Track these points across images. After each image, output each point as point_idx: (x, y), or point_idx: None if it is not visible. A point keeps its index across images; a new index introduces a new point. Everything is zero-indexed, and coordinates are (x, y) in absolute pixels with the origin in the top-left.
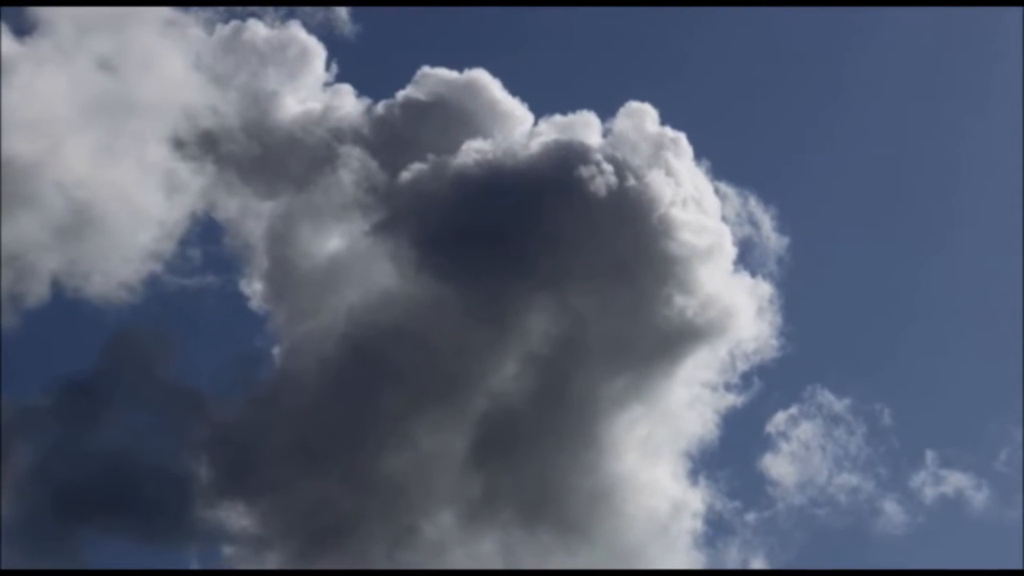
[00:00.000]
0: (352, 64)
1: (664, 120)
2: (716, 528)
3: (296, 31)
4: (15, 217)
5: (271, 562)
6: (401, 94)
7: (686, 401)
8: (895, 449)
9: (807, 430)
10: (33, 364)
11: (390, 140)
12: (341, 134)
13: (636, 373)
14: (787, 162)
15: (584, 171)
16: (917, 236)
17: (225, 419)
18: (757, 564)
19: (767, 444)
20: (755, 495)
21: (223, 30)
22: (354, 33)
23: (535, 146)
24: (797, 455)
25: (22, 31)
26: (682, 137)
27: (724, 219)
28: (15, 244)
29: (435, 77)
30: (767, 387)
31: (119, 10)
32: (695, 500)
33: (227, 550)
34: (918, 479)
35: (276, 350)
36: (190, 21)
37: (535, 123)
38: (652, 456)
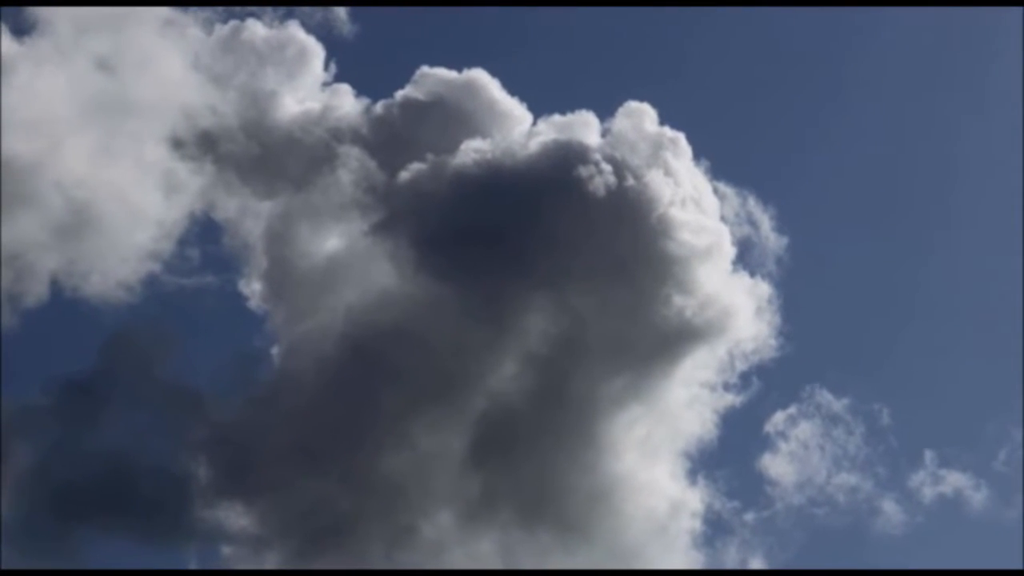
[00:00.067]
0: (351, 64)
1: (663, 120)
2: (715, 528)
3: (295, 31)
4: (14, 217)
5: (270, 562)
6: (400, 94)
7: (685, 401)
8: (894, 449)
9: (806, 430)
10: (32, 364)
11: (389, 140)
12: (340, 134)
13: (635, 373)
14: (786, 162)
15: (583, 171)
16: (916, 236)
17: (224, 419)
18: (756, 564)
19: (766, 444)
20: (754, 495)
21: (222, 30)
22: (353, 33)
23: (534, 146)
24: (796, 455)
25: (21, 31)
26: (681, 137)
27: (723, 219)
28: (14, 244)
29: (434, 77)
30: (766, 387)
31: (118, 10)
32: (694, 500)
33: (226, 550)
34: (917, 479)
35: (275, 350)
36: (189, 21)
37: (534, 123)
38: (651, 456)
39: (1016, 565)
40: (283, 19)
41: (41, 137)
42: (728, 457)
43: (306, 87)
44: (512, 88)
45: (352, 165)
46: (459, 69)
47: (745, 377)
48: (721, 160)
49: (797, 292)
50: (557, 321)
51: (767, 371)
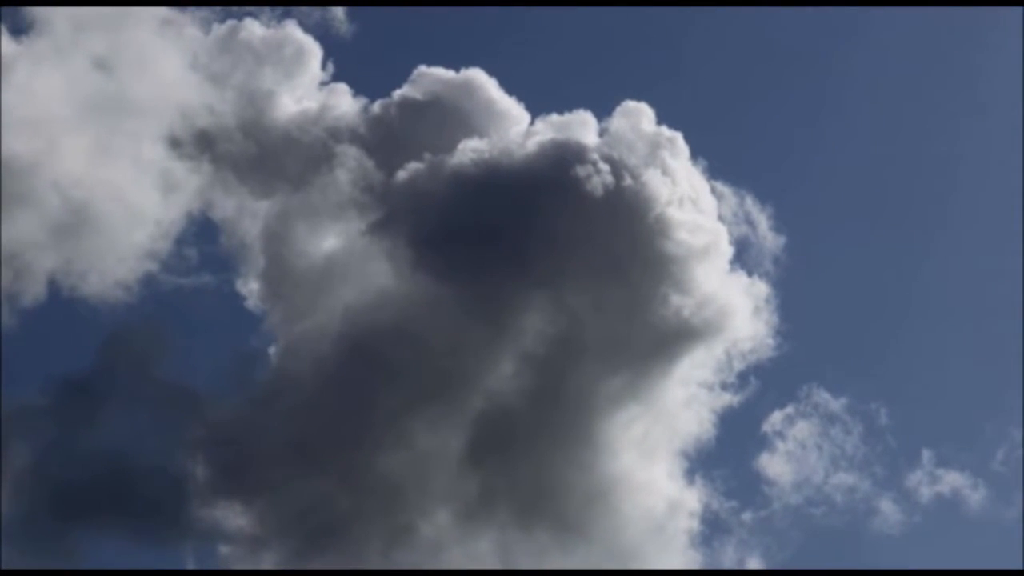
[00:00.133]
0: (348, 63)
1: (660, 119)
2: (712, 527)
3: (292, 30)
4: (11, 216)
5: (267, 561)
6: (397, 93)
7: (682, 400)
8: (891, 448)
9: (803, 429)
10: (29, 364)
11: (386, 139)
12: (337, 133)
13: (632, 372)
14: (784, 161)
15: (580, 170)
16: (914, 236)
17: (221, 418)
18: (753, 563)
19: (763, 443)
20: (751, 494)
21: (219, 29)
22: (350, 32)
23: (531, 145)
24: (793, 454)
25: (19, 30)
26: (678, 136)
27: (720, 218)
28: (11, 243)
29: (431, 76)
30: (763, 386)
31: (115, 10)
32: (691, 499)
33: (223, 549)
34: (914, 478)
35: (272, 349)
36: (186, 20)
37: (531, 122)
38: (648, 455)
39: (1014, 565)
40: (280, 19)
41: (39, 136)
42: (726, 457)
43: (304, 87)
44: (509, 88)
45: (350, 164)
46: (456, 69)
47: (743, 377)
48: (718, 159)
49: (795, 292)
50: (555, 320)
51: (765, 371)
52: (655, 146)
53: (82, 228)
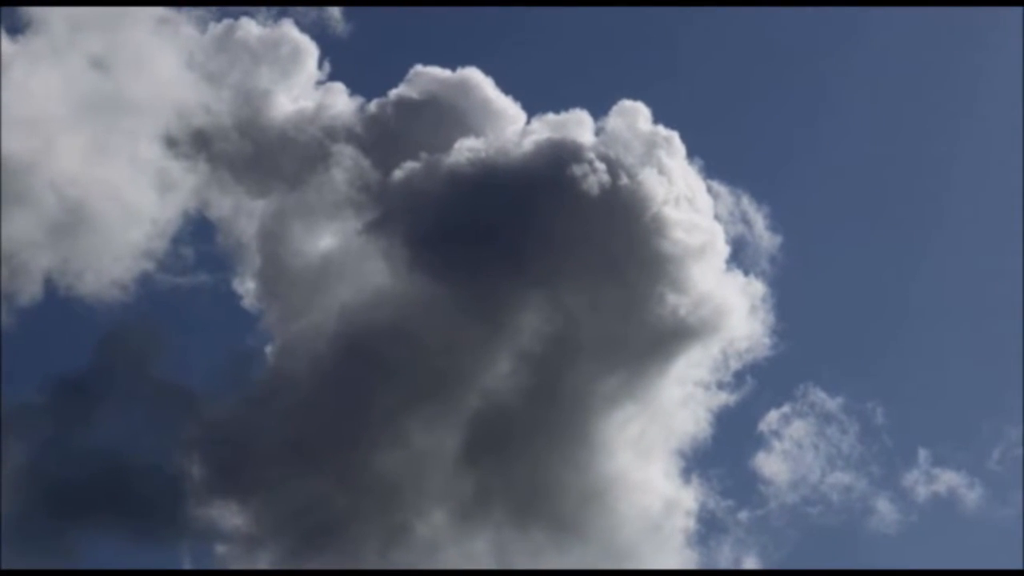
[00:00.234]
0: (345, 63)
1: (657, 119)
2: (709, 527)
3: (288, 30)
4: (8, 215)
5: (263, 561)
6: (394, 93)
7: (679, 400)
8: (888, 448)
9: (800, 429)
10: (26, 363)
11: (383, 138)
12: (334, 132)
13: (629, 371)
14: (780, 161)
15: (577, 169)
16: (911, 236)
17: (218, 417)
18: (750, 563)
19: (760, 443)
20: (748, 494)
21: (216, 29)
22: (347, 32)
23: (528, 144)
24: (790, 454)
25: (15, 30)
26: (675, 136)
27: (717, 218)
28: (8, 242)
29: (428, 76)
30: (760, 386)
31: (112, 9)
32: (688, 499)
33: (219, 548)
34: (911, 478)
35: (269, 348)
36: (183, 20)
37: (528, 121)
38: (645, 455)
39: (1011, 564)
40: (277, 18)
41: (35, 136)
42: (722, 456)
43: (300, 86)
44: (506, 87)
45: (346, 164)
46: (453, 68)
47: (739, 376)
48: (715, 159)
49: (791, 291)
50: (551, 320)
51: (761, 370)
52: (651, 145)
53: (78, 227)
